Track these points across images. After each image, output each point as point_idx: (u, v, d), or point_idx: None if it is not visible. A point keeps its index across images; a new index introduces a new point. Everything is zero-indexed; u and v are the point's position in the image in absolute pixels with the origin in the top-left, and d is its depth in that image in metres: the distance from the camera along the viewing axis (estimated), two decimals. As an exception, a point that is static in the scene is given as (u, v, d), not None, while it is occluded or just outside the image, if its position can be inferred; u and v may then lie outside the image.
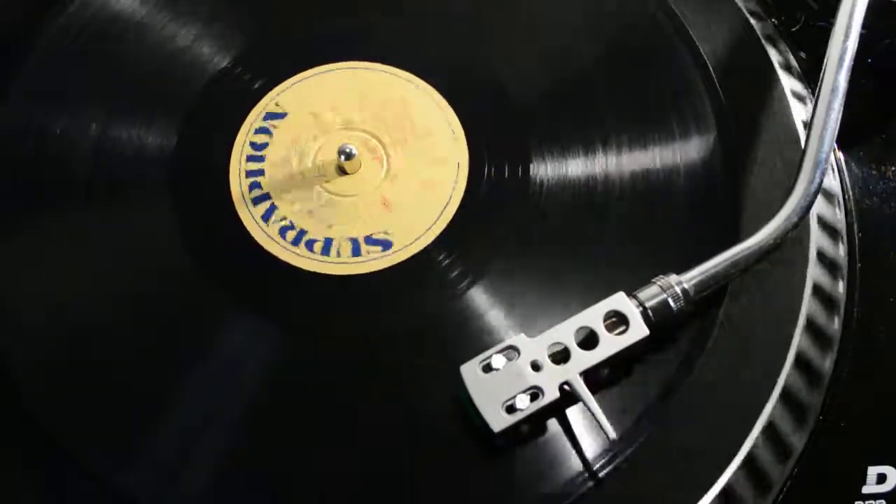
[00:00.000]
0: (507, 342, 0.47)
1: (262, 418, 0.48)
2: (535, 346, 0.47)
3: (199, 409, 0.48)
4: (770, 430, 0.48)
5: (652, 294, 0.48)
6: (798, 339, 0.50)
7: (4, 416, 0.49)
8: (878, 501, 0.50)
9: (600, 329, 0.47)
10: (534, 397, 0.46)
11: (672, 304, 0.47)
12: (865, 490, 0.50)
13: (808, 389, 0.51)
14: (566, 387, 0.46)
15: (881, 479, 0.50)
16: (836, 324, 0.53)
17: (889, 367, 0.53)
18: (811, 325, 0.51)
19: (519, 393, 0.46)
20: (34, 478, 0.47)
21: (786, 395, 0.49)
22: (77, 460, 0.47)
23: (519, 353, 0.46)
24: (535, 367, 0.46)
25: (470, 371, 0.46)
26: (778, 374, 0.49)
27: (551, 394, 0.46)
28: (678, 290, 0.48)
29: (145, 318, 0.51)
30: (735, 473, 0.47)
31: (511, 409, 0.45)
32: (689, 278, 0.48)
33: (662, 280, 0.48)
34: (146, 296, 0.52)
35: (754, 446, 0.48)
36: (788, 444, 0.50)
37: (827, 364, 0.52)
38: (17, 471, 0.48)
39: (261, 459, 0.47)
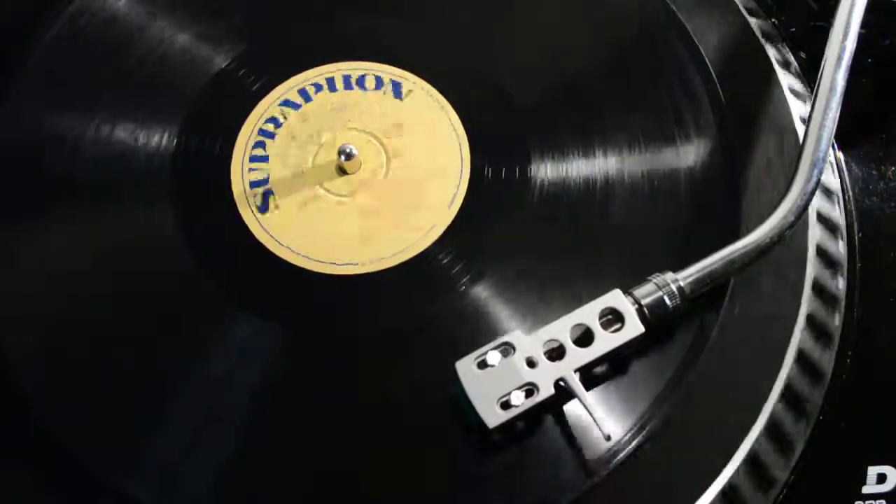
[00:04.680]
0: (503, 339, 0.47)
1: (262, 418, 0.48)
2: (531, 343, 0.47)
3: (200, 409, 0.48)
4: (770, 430, 0.49)
5: (648, 291, 0.48)
6: (798, 339, 0.50)
7: (4, 416, 0.49)
8: (878, 501, 0.50)
9: (596, 326, 0.47)
10: (529, 394, 0.46)
11: (668, 301, 0.48)
12: (865, 490, 0.50)
13: (809, 389, 0.51)
14: (561, 383, 0.46)
15: (881, 479, 0.50)
16: (837, 323, 0.53)
17: (889, 366, 0.53)
18: (811, 325, 0.51)
19: (514, 389, 0.46)
20: (34, 478, 0.48)
21: (786, 395, 0.49)
22: (77, 460, 0.47)
23: (514, 350, 0.46)
24: (531, 363, 0.46)
25: (465, 367, 0.46)
26: (777, 374, 0.49)
27: (546, 390, 0.46)
28: (674, 287, 0.48)
29: (146, 318, 0.51)
30: (735, 473, 0.47)
31: (506, 406, 0.46)
32: (686, 276, 0.48)
33: (658, 278, 0.48)
34: (147, 296, 0.52)
35: (754, 446, 0.48)
36: (788, 443, 0.50)
37: (827, 364, 0.52)
38: (17, 471, 0.48)
39: (261, 459, 0.47)
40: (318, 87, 0.58)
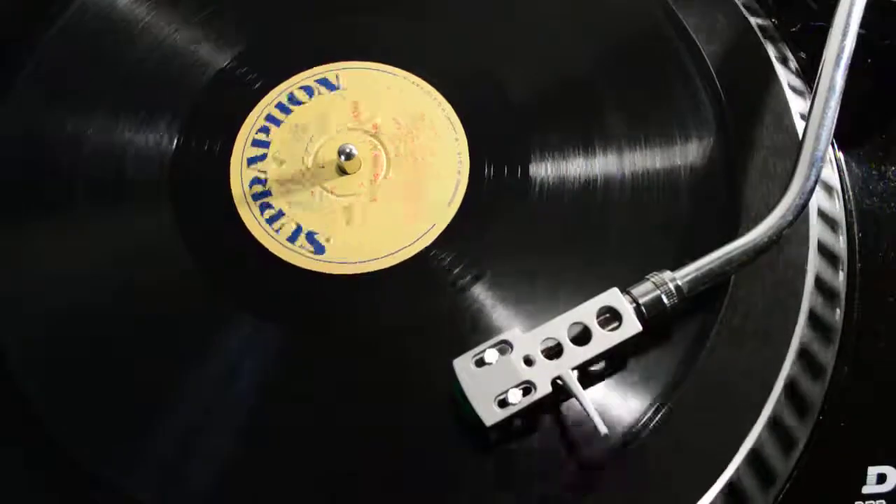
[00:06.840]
0: (501, 337, 0.47)
1: (262, 418, 0.49)
2: (529, 341, 0.47)
3: (200, 409, 0.49)
4: (770, 430, 0.49)
5: (645, 290, 0.48)
6: (798, 338, 0.50)
7: (4, 416, 0.49)
8: (878, 501, 0.50)
9: (593, 325, 0.47)
10: (526, 392, 0.46)
11: (665, 300, 0.48)
12: (865, 490, 0.50)
13: (809, 389, 0.51)
14: (559, 382, 0.46)
15: (881, 479, 0.50)
16: (837, 323, 0.53)
17: (889, 366, 0.53)
18: (811, 325, 0.51)
19: (511, 387, 0.46)
20: (34, 477, 0.48)
21: (785, 396, 0.49)
22: (77, 460, 0.47)
23: (512, 348, 0.46)
24: (528, 361, 0.46)
25: (463, 365, 0.46)
26: (777, 374, 0.49)
27: (543, 388, 0.46)
28: (672, 286, 0.48)
29: (146, 318, 0.51)
30: (735, 472, 0.47)
31: (503, 404, 0.46)
32: (683, 275, 0.48)
33: (656, 276, 0.48)
34: (146, 296, 0.52)
35: (754, 446, 0.48)
36: (788, 444, 0.50)
37: (827, 363, 0.52)
38: (17, 471, 0.48)
39: (261, 459, 0.47)
40: (266, 130, 0.57)
